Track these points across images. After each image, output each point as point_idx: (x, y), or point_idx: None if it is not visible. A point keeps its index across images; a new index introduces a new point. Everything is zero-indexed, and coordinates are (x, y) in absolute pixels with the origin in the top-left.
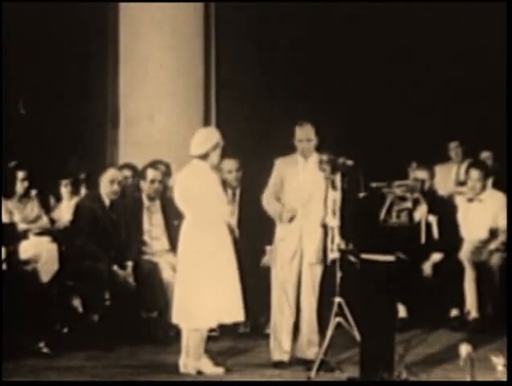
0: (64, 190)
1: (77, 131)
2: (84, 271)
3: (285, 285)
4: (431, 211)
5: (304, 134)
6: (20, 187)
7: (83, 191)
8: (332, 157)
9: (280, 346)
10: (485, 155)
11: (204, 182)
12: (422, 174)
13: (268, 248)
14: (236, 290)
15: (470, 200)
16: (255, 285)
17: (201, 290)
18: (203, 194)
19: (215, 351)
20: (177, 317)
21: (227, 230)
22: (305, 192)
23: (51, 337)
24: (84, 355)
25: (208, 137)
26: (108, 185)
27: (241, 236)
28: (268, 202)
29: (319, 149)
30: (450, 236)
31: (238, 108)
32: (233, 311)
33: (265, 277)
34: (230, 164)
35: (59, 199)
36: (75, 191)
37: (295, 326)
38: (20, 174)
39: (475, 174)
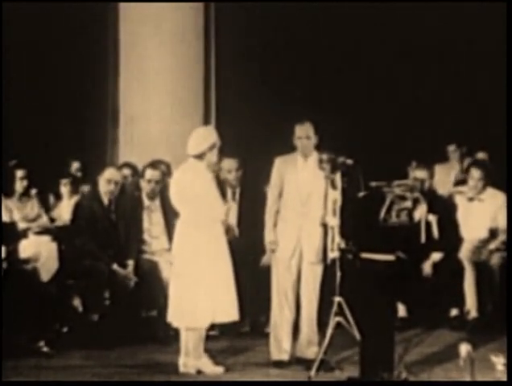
0: (64, 189)
1: (77, 130)
2: (84, 270)
3: (285, 284)
4: (430, 210)
5: (304, 132)
6: (20, 186)
7: (83, 190)
8: (332, 156)
9: (280, 345)
10: (481, 156)
11: (199, 181)
12: (421, 173)
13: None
14: (230, 289)
15: (470, 199)
16: (255, 283)
17: (196, 289)
18: (198, 193)
19: (215, 350)
20: (172, 316)
21: (222, 229)
22: (304, 191)
23: (50, 336)
24: (84, 355)
25: (205, 137)
26: (105, 184)
27: (241, 235)
28: (269, 216)
29: (319, 148)
30: (450, 236)
31: (238, 107)
32: (228, 310)
33: (265, 275)
34: (230, 163)
35: (58, 198)
36: (74, 190)
37: (294, 325)
38: (20, 173)
39: (476, 173)
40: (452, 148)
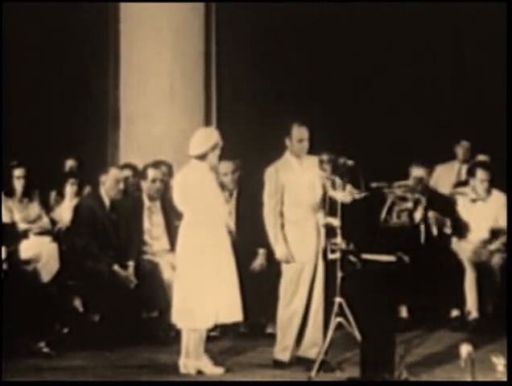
0: (69, 189)
1: (78, 131)
2: (85, 271)
3: (301, 284)
4: (431, 208)
5: (303, 133)
6: (20, 187)
7: (83, 191)
8: (333, 157)
9: (285, 344)
10: (482, 158)
11: (202, 182)
12: (422, 174)
13: (261, 250)
14: (234, 290)
15: (473, 201)
16: (254, 285)
17: (200, 290)
18: (201, 194)
19: (215, 350)
20: (176, 317)
21: (225, 230)
22: (307, 192)
23: (51, 337)
24: (85, 355)
25: (207, 138)
26: (114, 184)
27: (239, 238)
28: (273, 226)
29: (313, 150)
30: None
31: (239, 108)
32: (232, 311)
33: (264, 277)
34: (226, 166)
35: (59, 198)
36: (77, 191)
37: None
38: (20, 174)
39: (482, 174)
40: (462, 146)
